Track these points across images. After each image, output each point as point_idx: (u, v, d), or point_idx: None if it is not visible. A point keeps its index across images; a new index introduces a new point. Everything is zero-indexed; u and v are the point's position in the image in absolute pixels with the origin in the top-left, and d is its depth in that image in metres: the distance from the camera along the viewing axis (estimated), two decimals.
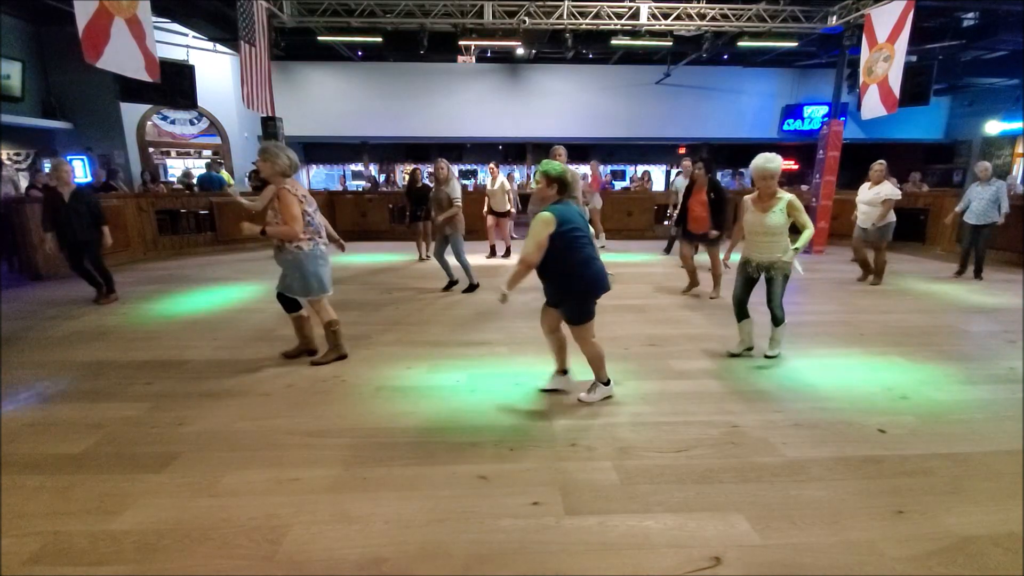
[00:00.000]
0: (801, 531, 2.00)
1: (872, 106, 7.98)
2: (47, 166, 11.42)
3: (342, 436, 2.72)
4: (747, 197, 3.66)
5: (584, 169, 10.21)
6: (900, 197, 5.99)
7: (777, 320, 3.76)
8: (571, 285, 2.83)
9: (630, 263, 7.93)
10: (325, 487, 2.28)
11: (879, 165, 6.04)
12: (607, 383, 3.14)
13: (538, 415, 2.97)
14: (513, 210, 8.33)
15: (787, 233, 3.55)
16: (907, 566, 1.83)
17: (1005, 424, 2.85)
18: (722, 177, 16.88)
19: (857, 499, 2.19)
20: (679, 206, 6.08)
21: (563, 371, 3.27)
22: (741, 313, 3.85)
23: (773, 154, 3.42)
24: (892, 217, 5.97)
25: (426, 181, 8.29)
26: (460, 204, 5.70)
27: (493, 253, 8.45)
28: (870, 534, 1.98)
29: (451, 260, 5.93)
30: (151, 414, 2.97)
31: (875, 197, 5.91)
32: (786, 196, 3.49)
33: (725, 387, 3.35)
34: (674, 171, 17.09)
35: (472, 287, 5.94)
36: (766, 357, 3.80)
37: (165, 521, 2.05)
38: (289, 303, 3.69)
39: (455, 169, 17.60)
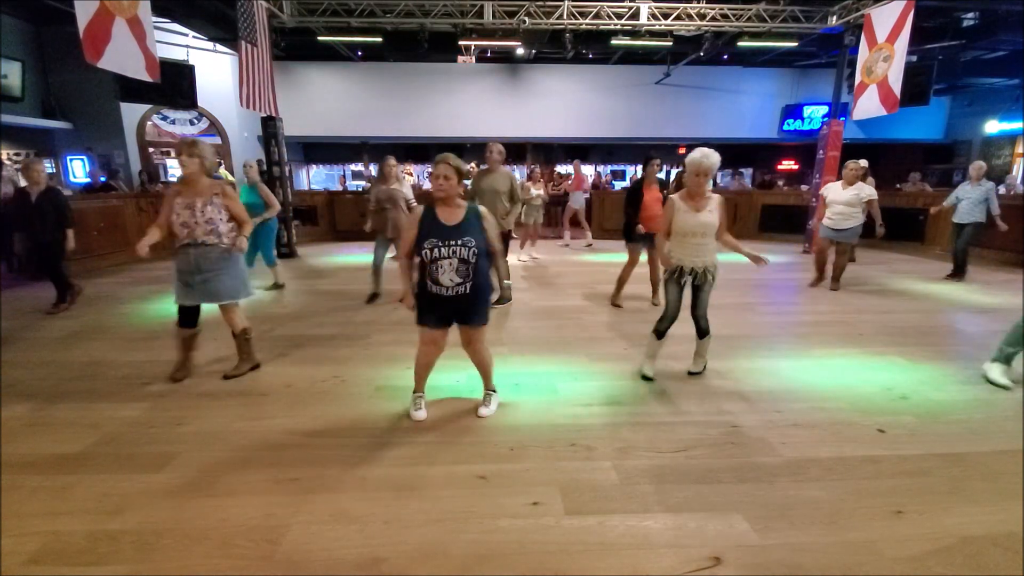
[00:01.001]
0: (800, 531, 2.00)
1: (867, 106, 7.97)
2: (47, 166, 11.44)
3: (341, 436, 2.72)
4: (676, 196, 3.29)
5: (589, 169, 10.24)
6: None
7: (703, 332, 3.45)
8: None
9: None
10: (324, 487, 2.28)
11: (855, 164, 5.84)
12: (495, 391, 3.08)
13: (538, 415, 2.96)
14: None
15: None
16: (906, 566, 1.82)
17: (1004, 424, 2.85)
18: (722, 178, 16.91)
19: (856, 499, 2.19)
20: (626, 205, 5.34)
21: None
22: (668, 329, 3.45)
23: (711, 150, 3.17)
24: (863, 218, 5.87)
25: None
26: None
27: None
28: (869, 534, 1.98)
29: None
30: (150, 414, 2.96)
31: (854, 198, 5.74)
32: (716, 196, 3.27)
33: (724, 387, 3.35)
34: (675, 171, 17.10)
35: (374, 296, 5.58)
36: (691, 374, 3.53)
37: (164, 521, 2.05)
38: (191, 316, 3.42)
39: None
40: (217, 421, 2.88)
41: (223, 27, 9.40)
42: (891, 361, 3.80)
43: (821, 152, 9.09)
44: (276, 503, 2.16)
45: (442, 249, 2.57)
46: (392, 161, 5.36)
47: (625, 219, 5.18)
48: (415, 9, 9.18)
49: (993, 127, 14.03)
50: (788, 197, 10.93)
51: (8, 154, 10.68)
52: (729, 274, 6.90)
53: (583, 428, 2.81)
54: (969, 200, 6.38)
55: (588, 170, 15.42)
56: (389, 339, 4.30)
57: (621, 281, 5.37)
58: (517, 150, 16.39)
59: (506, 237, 5.02)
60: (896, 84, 7.45)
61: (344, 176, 17.47)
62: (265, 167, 8.70)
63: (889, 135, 14.93)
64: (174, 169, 13.02)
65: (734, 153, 17.67)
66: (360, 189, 13.27)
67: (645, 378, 3.45)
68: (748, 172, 17.32)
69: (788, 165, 17.31)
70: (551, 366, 3.71)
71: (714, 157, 3.13)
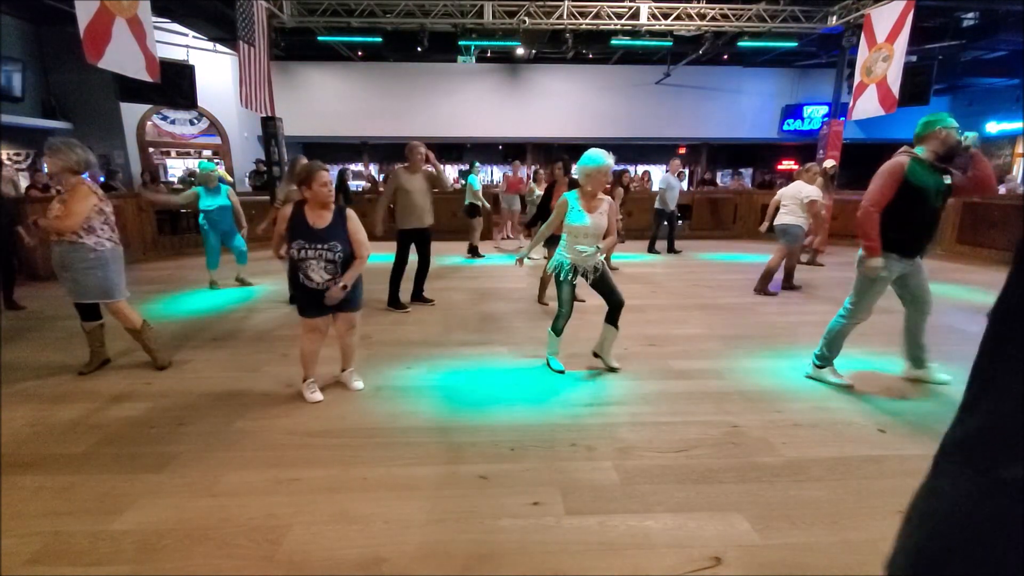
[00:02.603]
0: (801, 531, 2.00)
1: (866, 107, 7.97)
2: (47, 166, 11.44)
3: (342, 436, 2.72)
4: (568, 195, 3.37)
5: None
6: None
7: (619, 304, 3.45)
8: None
9: (629, 263, 7.92)
10: (325, 487, 2.28)
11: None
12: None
13: (538, 415, 2.97)
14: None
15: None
16: None
17: None
18: (722, 178, 16.91)
19: (857, 499, 2.19)
20: (538, 208, 5.51)
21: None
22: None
23: (607, 151, 3.23)
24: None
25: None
26: None
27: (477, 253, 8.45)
28: (870, 534, 1.98)
29: None
30: (151, 414, 2.97)
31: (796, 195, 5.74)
32: (608, 198, 3.34)
33: (725, 387, 3.35)
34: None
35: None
36: (612, 370, 3.56)
37: (165, 521, 2.05)
38: (90, 311, 3.55)
39: (454, 169, 17.64)
40: (218, 421, 2.88)
41: (223, 27, 9.40)
42: (892, 361, 3.80)
43: (821, 152, 9.09)
44: (277, 503, 2.16)
45: (309, 251, 2.82)
46: (304, 160, 5.24)
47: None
48: (415, 9, 9.18)
49: (993, 127, 14.04)
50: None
51: (8, 154, 10.67)
52: (729, 274, 6.92)
53: (584, 428, 2.81)
54: None
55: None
56: (389, 339, 4.30)
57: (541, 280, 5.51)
58: (517, 150, 16.41)
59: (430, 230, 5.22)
60: (895, 84, 7.46)
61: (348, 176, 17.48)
62: (265, 167, 8.70)
63: (889, 135, 14.91)
64: (174, 169, 13.03)
65: (734, 153, 17.70)
66: (360, 189, 13.27)
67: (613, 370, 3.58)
68: (748, 172, 17.35)
69: (788, 165, 17.30)
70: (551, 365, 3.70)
71: (611, 159, 3.25)
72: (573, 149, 16.84)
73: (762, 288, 5.90)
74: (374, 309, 5.26)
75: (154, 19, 5.68)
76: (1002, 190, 6.43)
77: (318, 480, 2.33)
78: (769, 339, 4.33)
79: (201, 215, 5.82)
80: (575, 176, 3.50)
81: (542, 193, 8.41)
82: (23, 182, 9.47)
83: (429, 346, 4.13)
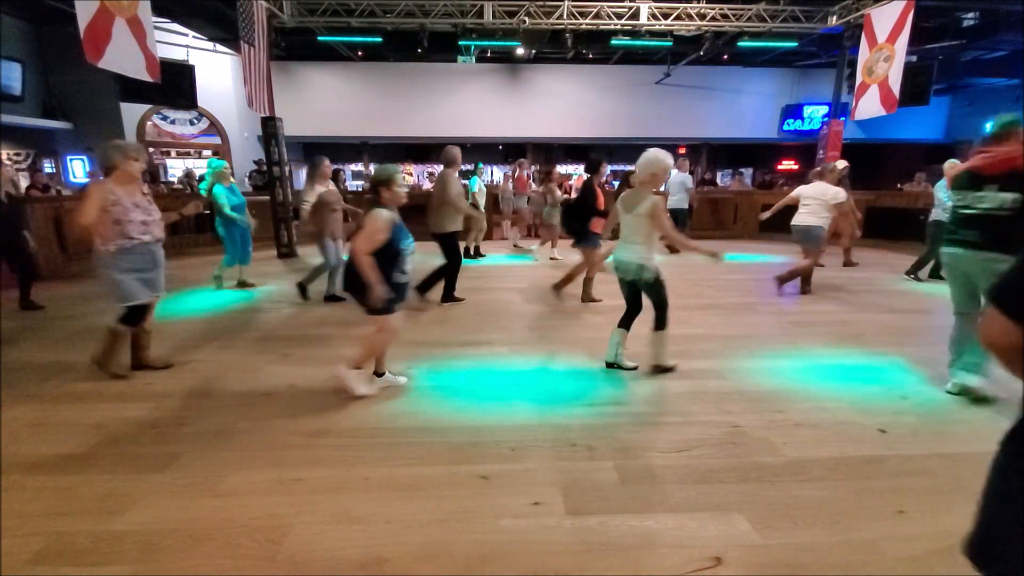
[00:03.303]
0: (802, 531, 2.00)
1: (869, 107, 7.98)
2: (47, 166, 11.44)
3: (343, 436, 2.73)
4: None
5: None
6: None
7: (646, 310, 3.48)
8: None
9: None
10: (326, 487, 2.28)
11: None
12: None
13: (539, 415, 2.97)
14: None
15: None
16: (908, 566, 1.83)
17: (1006, 424, 2.85)
18: (722, 178, 16.92)
19: (858, 499, 2.19)
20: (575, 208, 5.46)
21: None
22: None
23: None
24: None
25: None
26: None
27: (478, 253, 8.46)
28: (871, 534, 1.98)
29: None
30: (153, 414, 2.97)
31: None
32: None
33: (726, 387, 3.35)
34: (674, 171, 17.09)
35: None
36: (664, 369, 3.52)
37: (167, 521, 2.05)
38: (143, 313, 3.48)
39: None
40: (220, 421, 2.88)
41: (223, 27, 9.41)
42: (892, 361, 3.80)
43: (821, 152, 9.11)
44: (279, 503, 2.16)
45: (409, 244, 3.03)
46: (328, 162, 5.33)
47: (579, 221, 5.42)
48: (415, 9, 9.18)
49: None
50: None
51: (8, 154, 10.68)
52: (730, 274, 6.92)
53: (584, 428, 2.81)
54: (947, 200, 6.35)
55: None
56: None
57: (577, 278, 5.54)
58: (517, 150, 16.41)
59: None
60: (895, 84, 7.47)
61: (344, 176, 17.49)
62: (265, 167, 8.70)
63: (889, 135, 14.95)
64: (174, 169, 13.04)
65: (734, 153, 17.71)
66: (360, 189, 13.27)
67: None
68: (748, 172, 17.34)
69: (788, 165, 17.33)
70: (552, 365, 3.71)
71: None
72: (573, 149, 16.89)
73: (784, 281, 5.76)
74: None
75: (154, 19, 5.69)
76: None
77: (320, 480, 2.33)
78: (770, 339, 4.33)
79: (223, 211, 5.63)
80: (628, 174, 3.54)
81: (566, 195, 8.36)
82: (23, 182, 9.48)
83: (429, 346, 4.13)
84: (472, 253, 8.33)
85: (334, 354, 3.94)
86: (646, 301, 3.46)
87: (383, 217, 2.89)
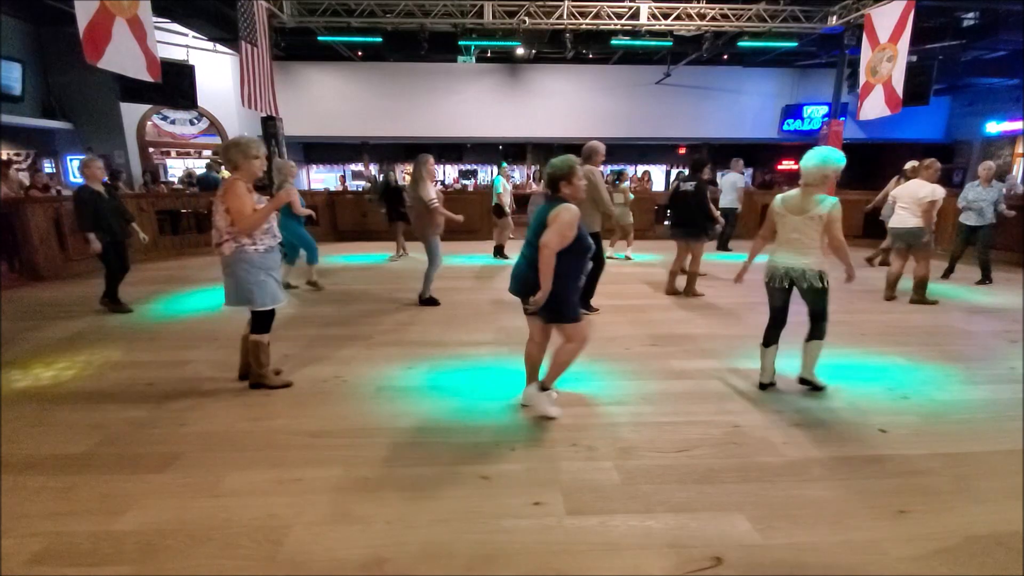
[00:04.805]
0: (803, 531, 2.00)
1: (873, 107, 7.98)
2: (47, 166, 11.44)
3: (343, 436, 2.72)
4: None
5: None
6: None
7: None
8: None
9: (630, 263, 7.93)
10: (327, 487, 2.28)
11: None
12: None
13: (538, 415, 2.96)
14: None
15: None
16: (910, 566, 1.83)
17: (1007, 424, 2.85)
18: (721, 177, 16.90)
19: (859, 499, 2.19)
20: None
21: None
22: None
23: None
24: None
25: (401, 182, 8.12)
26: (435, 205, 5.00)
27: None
28: (873, 534, 1.98)
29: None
30: (153, 414, 2.96)
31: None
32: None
33: (726, 387, 3.35)
34: (675, 171, 17.11)
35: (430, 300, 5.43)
36: (818, 388, 3.30)
37: (167, 521, 2.05)
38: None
39: (454, 169, 17.66)
40: (220, 422, 2.88)
41: (223, 27, 9.40)
42: (893, 361, 3.80)
43: None
44: (279, 503, 2.16)
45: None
46: (432, 160, 5.11)
47: (702, 218, 5.58)
48: (415, 9, 9.18)
49: (993, 127, 14.04)
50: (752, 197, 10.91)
51: (8, 154, 10.68)
52: (731, 273, 6.91)
53: (585, 428, 2.81)
54: (983, 202, 6.32)
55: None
56: (391, 339, 4.30)
57: (680, 273, 5.77)
58: (517, 150, 16.42)
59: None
60: (899, 85, 7.47)
61: (344, 176, 17.49)
62: (266, 167, 8.68)
63: (889, 135, 14.93)
64: (174, 169, 13.03)
65: (734, 153, 17.66)
66: (360, 189, 13.27)
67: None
68: (748, 172, 17.32)
69: (788, 165, 17.31)
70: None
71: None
72: (573, 149, 16.89)
73: (922, 298, 5.41)
74: (376, 308, 5.26)
75: (154, 19, 5.68)
76: (1001, 190, 6.41)
77: (320, 480, 2.33)
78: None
79: (297, 209, 5.51)
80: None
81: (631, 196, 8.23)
82: (26, 182, 9.47)
83: (429, 346, 4.13)
84: (497, 254, 8.32)
85: (334, 355, 3.95)
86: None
87: (574, 212, 2.59)
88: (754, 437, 2.70)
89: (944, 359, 3.84)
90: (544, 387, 2.92)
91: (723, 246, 9.07)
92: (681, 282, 5.81)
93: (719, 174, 9.67)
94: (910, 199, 5.19)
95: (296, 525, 2.03)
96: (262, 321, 3.18)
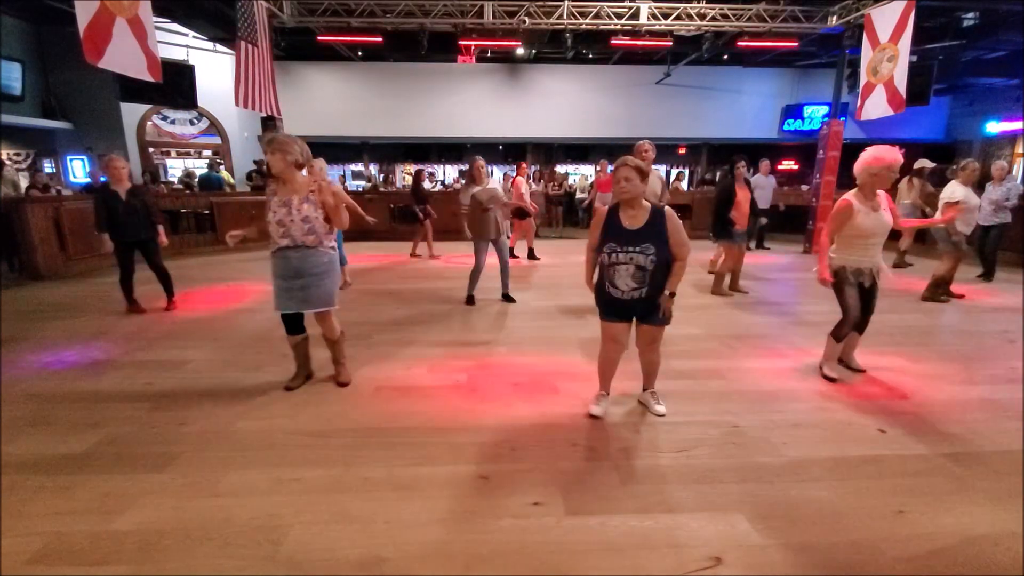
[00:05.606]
0: (802, 531, 2.00)
1: (875, 107, 7.97)
2: (47, 166, 11.44)
3: (343, 436, 2.72)
4: (851, 197, 3.27)
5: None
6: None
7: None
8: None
9: None
10: (326, 487, 2.28)
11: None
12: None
13: (538, 415, 2.97)
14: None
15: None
16: (908, 566, 1.83)
17: (1006, 424, 2.85)
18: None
19: (858, 499, 2.19)
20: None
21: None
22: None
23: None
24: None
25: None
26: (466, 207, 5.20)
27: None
28: (871, 534, 1.98)
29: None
30: (152, 414, 2.97)
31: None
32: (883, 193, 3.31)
33: (725, 387, 3.35)
34: (675, 171, 17.10)
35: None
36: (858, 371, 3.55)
37: (166, 521, 2.05)
38: (297, 323, 3.24)
39: (454, 169, 17.65)
40: (219, 421, 2.88)
41: (223, 27, 9.40)
42: (892, 361, 3.80)
43: (821, 152, 9.10)
44: (278, 503, 2.16)
45: (620, 255, 2.59)
46: (481, 161, 5.19)
47: (718, 218, 5.69)
48: (415, 9, 9.18)
49: (993, 127, 14.04)
50: (788, 197, 10.92)
51: (8, 154, 10.68)
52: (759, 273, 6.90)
53: (584, 428, 2.81)
54: (993, 201, 6.29)
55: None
56: (390, 339, 4.30)
57: (731, 273, 5.90)
58: (517, 150, 16.41)
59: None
60: (901, 84, 7.46)
61: (344, 176, 17.47)
62: (266, 167, 8.68)
63: (890, 135, 14.91)
64: (174, 169, 13.03)
65: (734, 153, 17.66)
66: (360, 189, 13.27)
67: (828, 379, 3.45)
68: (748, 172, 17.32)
69: (788, 165, 17.30)
70: (552, 366, 3.71)
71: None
72: (573, 149, 16.88)
73: (934, 295, 5.49)
74: (377, 308, 5.27)
75: (154, 19, 5.68)
76: (1001, 190, 6.40)
77: (319, 480, 2.33)
78: (769, 339, 4.33)
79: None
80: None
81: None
82: (23, 182, 9.48)
83: (429, 346, 4.13)
84: (528, 255, 8.33)
85: (325, 355, 3.94)
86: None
87: (597, 217, 2.64)
88: (753, 437, 2.70)
89: (943, 359, 3.85)
90: (651, 389, 3.04)
91: (759, 245, 9.38)
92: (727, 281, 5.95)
93: (720, 174, 9.71)
94: (942, 200, 5.27)
95: (295, 525, 2.03)
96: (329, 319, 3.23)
